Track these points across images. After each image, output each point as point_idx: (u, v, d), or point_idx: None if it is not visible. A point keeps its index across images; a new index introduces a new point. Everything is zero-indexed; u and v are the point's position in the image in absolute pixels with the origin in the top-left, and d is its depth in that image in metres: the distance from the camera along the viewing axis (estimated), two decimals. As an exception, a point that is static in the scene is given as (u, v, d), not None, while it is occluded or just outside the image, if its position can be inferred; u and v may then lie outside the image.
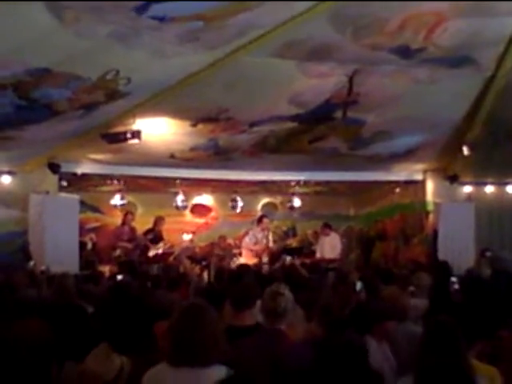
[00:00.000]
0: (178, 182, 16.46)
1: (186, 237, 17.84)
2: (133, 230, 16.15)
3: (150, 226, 16.59)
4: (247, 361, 4.72)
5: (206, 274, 15.33)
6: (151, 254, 15.73)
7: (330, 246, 17.14)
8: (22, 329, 5.84)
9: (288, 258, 15.88)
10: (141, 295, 7.93)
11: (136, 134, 11.76)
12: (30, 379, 4.67)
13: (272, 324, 5.37)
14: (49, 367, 5.12)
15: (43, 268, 11.89)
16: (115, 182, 16.24)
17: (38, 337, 5.71)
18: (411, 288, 8.81)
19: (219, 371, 4.18)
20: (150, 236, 16.23)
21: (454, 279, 9.55)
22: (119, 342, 4.85)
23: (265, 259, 16.26)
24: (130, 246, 15.68)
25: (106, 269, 14.61)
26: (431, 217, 16.32)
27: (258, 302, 5.87)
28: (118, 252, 15.21)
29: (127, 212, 16.45)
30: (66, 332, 5.90)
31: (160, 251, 15.88)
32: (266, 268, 15.38)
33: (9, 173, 13.61)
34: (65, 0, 7.45)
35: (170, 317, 4.53)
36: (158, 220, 16.57)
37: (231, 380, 3.78)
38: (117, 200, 16.88)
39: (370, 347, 5.47)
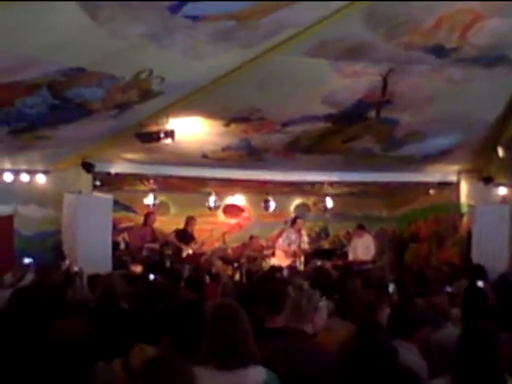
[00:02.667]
0: (211, 181, 16.51)
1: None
2: (153, 231, 16.14)
3: (182, 225, 16.60)
4: (274, 362, 4.68)
5: (237, 275, 15.35)
6: (184, 254, 15.74)
7: (363, 248, 17.06)
8: (61, 328, 5.86)
9: (318, 263, 15.79)
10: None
11: (169, 134, 11.80)
12: (68, 379, 4.68)
13: (294, 322, 5.30)
14: (86, 368, 5.13)
15: (76, 269, 11.93)
16: (148, 181, 16.30)
17: (77, 337, 5.72)
18: (448, 289, 8.73)
19: (257, 371, 4.22)
20: (178, 235, 16.25)
21: (480, 283, 9.40)
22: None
23: (298, 261, 16.23)
24: (156, 246, 15.69)
25: (138, 268, 14.65)
26: (465, 219, 16.17)
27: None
28: (145, 253, 15.22)
29: (148, 213, 16.46)
30: (109, 332, 5.91)
31: (191, 252, 15.90)
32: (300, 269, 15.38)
33: (43, 172, 13.73)
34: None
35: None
36: (190, 220, 16.58)
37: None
38: (150, 200, 16.95)
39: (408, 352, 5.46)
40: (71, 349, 5.09)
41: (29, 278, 11.27)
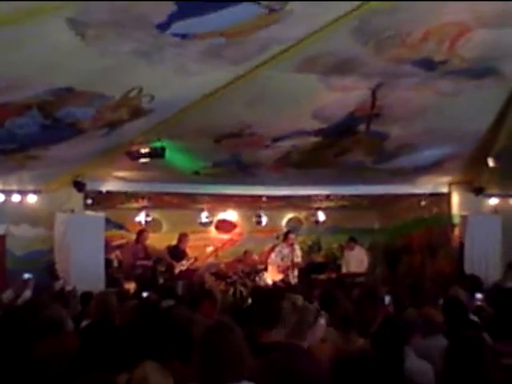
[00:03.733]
0: (203, 197, 16.51)
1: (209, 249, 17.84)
2: (146, 248, 16.10)
3: (174, 242, 16.57)
4: (264, 378, 4.68)
5: (231, 291, 15.32)
6: (177, 270, 15.70)
7: (355, 261, 17.07)
8: (48, 347, 5.84)
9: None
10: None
11: (160, 151, 11.79)
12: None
13: (290, 339, 5.29)
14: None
15: (69, 288, 11.90)
16: (140, 199, 16.29)
17: (65, 355, 5.70)
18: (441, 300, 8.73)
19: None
20: (170, 252, 16.22)
21: (479, 295, 9.42)
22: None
23: (291, 275, 16.21)
24: (148, 263, 15.65)
25: (131, 286, 14.63)
26: (457, 229, 16.20)
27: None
28: (138, 270, 15.17)
29: (141, 230, 16.43)
30: (103, 349, 5.89)
31: (184, 268, 15.87)
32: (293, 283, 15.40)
33: (34, 192, 13.71)
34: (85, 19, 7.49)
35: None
36: (182, 237, 16.52)
37: None
38: (142, 217, 16.94)
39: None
40: (60, 367, 5.08)
41: (27, 294, 11.27)
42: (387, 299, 9.12)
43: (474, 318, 7.95)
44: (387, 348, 5.54)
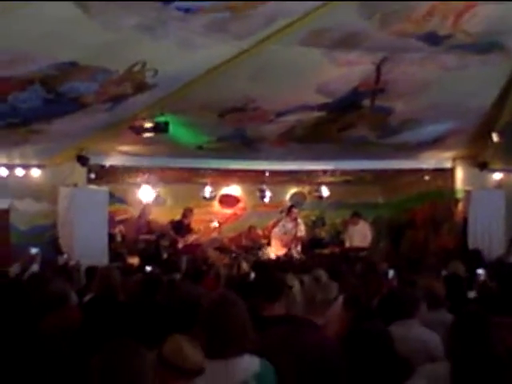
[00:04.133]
0: (207, 172, 16.51)
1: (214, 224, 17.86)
2: (149, 223, 16.10)
3: (178, 217, 16.60)
4: (274, 350, 4.69)
5: (235, 265, 15.35)
6: (180, 245, 15.72)
7: (359, 235, 17.06)
8: (51, 321, 5.85)
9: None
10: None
11: (164, 126, 11.78)
12: (60, 372, 4.67)
13: (306, 314, 5.29)
14: (82, 360, 5.12)
15: (73, 262, 11.94)
16: (144, 173, 16.30)
17: (69, 329, 5.72)
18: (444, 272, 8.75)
19: (251, 361, 4.19)
20: (174, 227, 16.23)
21: (480, 271, 9.41)
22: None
23: (294, 249, 16.24)
24: (151, 237, 15.65)
25: (134, 260, 14.67)
26: (461, 205, 16.17)
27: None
28: (141, 244, 15.19)
29: (144, 205, 16.43)
30: (106, 324, 5.92)
31: (188, 243, 15.89)
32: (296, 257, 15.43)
33: (38, 166, 13.68)
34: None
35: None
36: (187, 212, 16.53)
37: None
38: (145, 191, 16.94)
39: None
40: (64, 342, 5.09)
41: (34, 268, 11.31)
42: (391, 273, 9.14)
43: (473, 293, 7.96)
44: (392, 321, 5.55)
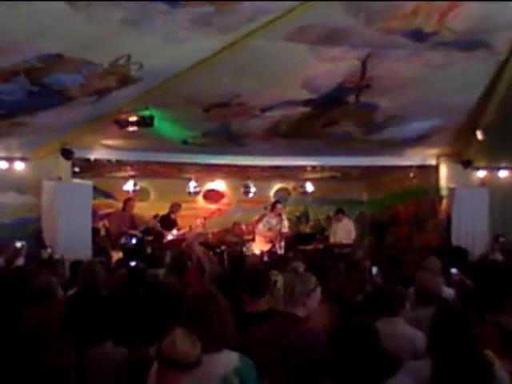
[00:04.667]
0: (191, 167, 16.50)
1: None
2: (133, 216, 16.04)
3: (162, 211, 16.57)
4: (259, 347, 4.69)
5: (219, 260, 15.34)
6: (166, 240, 15.69)
7: (343, 232, 17.06)
8: (32, 316, 5.84)
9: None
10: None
11: (148, 120, 11.75)
12: (40, 364, 4.67)
13: (286, 307, 5.28)
14: (62, 354, 5.10)
15: (57, 256, 11.90)
16: (128, 167, 16.26)
17: (49, 324, 5.70)
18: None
19: (230, 356, 4.20)
20: (161, 221, 16.19)
21: (454, 270, 9.42)
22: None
23: (279, 245, 16.23)
24: (135, 232, 15.57)
25: (118, 255, 14.62)
26: (445, 202, 16.25)
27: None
28: (123, 239, 15.11)
29: (127, 198, 16.35)
30: (89, 319, 5.90)
31: (174, 237, 15.86)
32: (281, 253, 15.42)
33: (21, 159, 13.62)
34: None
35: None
36: (174, 206, 16.51)
37: None
38: (130, 186, 16.90)
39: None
40: (47, 336, 5.08)
41: (20, 262, 11.27)
42: (374, 270, 9.16)
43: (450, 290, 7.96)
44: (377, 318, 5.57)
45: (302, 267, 5.76)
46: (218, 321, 4.24)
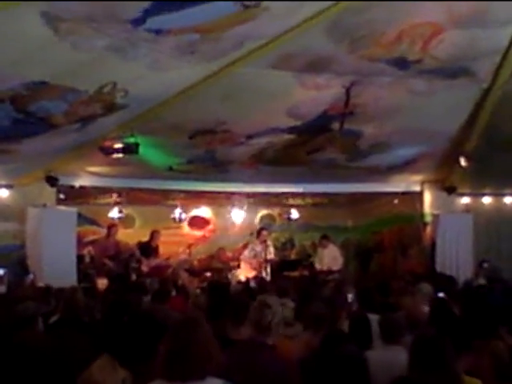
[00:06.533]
0: (177, 194, 16.51)
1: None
2: (117, 243, 15.98)
3: (147, 238, 16.52)
4: (229, 373, 4.67)
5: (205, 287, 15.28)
6: (144, 268, 15.59)
7: (329, 258, 17.04)
8: (19, 341, 5.82)
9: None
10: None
11: (134, 147, 11.76)
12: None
13: (258, 336, 5.28)
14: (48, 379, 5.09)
15: (42, 285, 11.82)
16: (113, 194, 16.23)
17: (35, 349, 5.69)
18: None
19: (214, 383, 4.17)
20: (141, 248, 16.12)
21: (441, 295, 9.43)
22: (123, 354, 4.81)
23: (264, 272, 16.20)
24: (122, 258, 15.48)
25: (103, 282, 14.55)
26: (429, 228, 16.28)
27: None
28: (108, 266, 15.05)
29: (111, 225, 16.30)
30: (72, 344, 5.89)
31: (154, 264, 15.78)
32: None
33: (6, 186, 13.61)
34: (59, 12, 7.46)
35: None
36: (154, 234, 16.46)
37: None
38: (115, 213, 16.85)
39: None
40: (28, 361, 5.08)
41: (1, 289, 11.21)
42: (350, 297, 9.14)
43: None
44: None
45: (272, 298, 5.76)
46: (200, 349, 4.17)
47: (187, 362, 4.05)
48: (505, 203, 16.46)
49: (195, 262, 17.95)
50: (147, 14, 7.76)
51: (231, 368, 4.69)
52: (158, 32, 8.32)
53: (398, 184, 16.46)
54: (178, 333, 4.28)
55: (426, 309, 7.22)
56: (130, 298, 8.64)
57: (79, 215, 14.74)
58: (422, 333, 5.11)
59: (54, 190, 14.07)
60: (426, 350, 4.62)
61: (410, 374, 4.63)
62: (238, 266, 16.76)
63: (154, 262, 15.86)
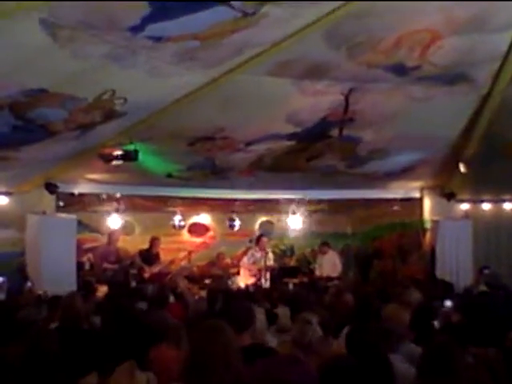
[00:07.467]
0: (176, 201, 16.52)
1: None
2: (118, 250, 16.00)
3: (147, 245, 16.50)
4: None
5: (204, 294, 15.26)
6: (147, 274, 15.61)
7: (329, 265, 17.05)
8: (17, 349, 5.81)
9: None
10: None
11: (133, 154, 11.77)
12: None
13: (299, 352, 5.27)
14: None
15: (41, 292, 11.80)
16: (113, 201, 16.23)
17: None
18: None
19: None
20: (142, 256, 16.11)
21: (448, 303, 9.43)
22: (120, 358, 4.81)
23: (264, 278, 16.19)
24: (114, 266, 15.49)
25: (103, 289, 14.54)
26: (428, 234, 16.27)
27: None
28: (109, 273, 15.07)
29: (112, 232, 16.31)
30: (71, 352, 5.87)
31: (155, 271, 15.79)
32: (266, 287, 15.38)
33: (5, 193, 13.59)
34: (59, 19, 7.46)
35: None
36: (154, 241, 16.45)
37: None
38: (114, 220, 16.86)
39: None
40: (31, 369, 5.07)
41: (1, 297, 11.21)
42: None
43: (436, 323, 7.95)
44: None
45: (314, 319, 5.80)
46: (220, 356, 4.17)
47: (205, 370, 4.04)
48: (504, 209, 16.42)
49: (195, 269, 17.95)
50: (146, 21, 7.74)
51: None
52: (157, 39, 8.31)
53: (397, 190, 16.47)
54: (198, 340, 4.27)
55: (407, 317, 7.13)
56: (123, 302, 8.67)
57: (79, 222, 14.76)
58: (436, 341, 5.09)
59: (54, 197, 14.08)
60: (438, 357, 4.61)
61: (418, 381, 4.61)
62: (238, 273, 16.77)
63: (156, 268, 15.88)
